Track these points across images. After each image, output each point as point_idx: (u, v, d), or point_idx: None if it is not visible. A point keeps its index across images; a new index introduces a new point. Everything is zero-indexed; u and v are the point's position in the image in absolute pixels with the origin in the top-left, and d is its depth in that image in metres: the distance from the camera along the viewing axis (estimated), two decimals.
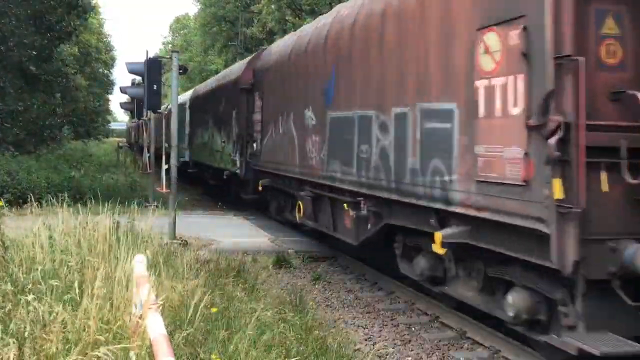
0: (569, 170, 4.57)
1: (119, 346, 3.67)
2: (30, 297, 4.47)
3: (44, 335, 4.05)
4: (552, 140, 4.55)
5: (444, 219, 6.20)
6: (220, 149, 16.63)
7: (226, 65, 33.96)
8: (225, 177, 15.94)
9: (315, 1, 24.73)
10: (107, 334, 4.10)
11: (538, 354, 5.57)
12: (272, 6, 29.72)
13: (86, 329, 4.06)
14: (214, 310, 5.23)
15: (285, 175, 11.27)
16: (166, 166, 11.83)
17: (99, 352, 3.61)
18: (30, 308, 4.39)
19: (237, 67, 16.54)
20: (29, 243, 6.28)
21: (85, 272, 5.13)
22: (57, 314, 4.21)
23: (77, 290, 4.63)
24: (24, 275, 5.22)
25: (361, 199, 8.10)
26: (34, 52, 21.48)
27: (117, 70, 78.32)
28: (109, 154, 39.48)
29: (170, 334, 4.19)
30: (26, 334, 4.06)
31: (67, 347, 3.96)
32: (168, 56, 12.58)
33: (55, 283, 4.89)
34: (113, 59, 63.61)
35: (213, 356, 4.31)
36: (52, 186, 15.33)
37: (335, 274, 9.53)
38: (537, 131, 4.73)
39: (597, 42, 4.77)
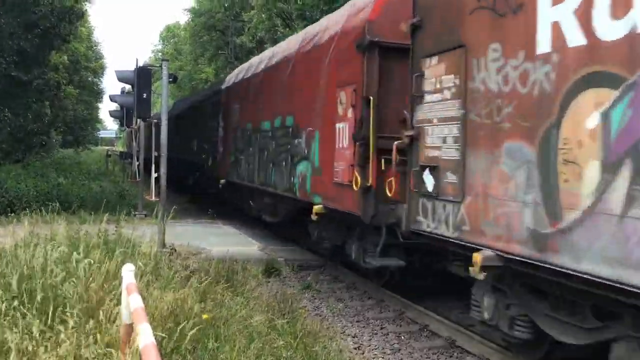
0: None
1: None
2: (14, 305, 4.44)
3: (29, 348, 4.03)
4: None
5: None
6: None
7: (216, 74, 33.87)
8: None
9: (305, 5, 24.58)
10: (95, 344, 4.09)
11: None
12: (263, 15, 29.74)
13: (71, 339, 4.05)
14: (205, 316, 5.22)
15: None
16: (155, 174, 11.77)
17: None
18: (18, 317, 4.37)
19: None
20: (15, 254, 6.25)
21: (73, 282, 5.10)
22: (43, 330, 4.19)
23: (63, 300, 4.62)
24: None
25: None
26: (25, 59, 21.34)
27: (107, 79, 78.37)
28: (97, 162, 39.25)
29: (160, 343, 4.19)
30: (12, 344, 4.03)
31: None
32: (158, 64, 12.57)
33: (40, 295, 4.87)
34: (102, 67, 63.28)
35: None
36: (41, 195, 15.21)
37: (324, 283, 9.53)
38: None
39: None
